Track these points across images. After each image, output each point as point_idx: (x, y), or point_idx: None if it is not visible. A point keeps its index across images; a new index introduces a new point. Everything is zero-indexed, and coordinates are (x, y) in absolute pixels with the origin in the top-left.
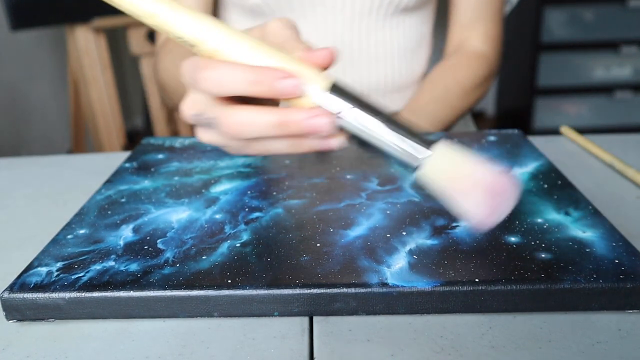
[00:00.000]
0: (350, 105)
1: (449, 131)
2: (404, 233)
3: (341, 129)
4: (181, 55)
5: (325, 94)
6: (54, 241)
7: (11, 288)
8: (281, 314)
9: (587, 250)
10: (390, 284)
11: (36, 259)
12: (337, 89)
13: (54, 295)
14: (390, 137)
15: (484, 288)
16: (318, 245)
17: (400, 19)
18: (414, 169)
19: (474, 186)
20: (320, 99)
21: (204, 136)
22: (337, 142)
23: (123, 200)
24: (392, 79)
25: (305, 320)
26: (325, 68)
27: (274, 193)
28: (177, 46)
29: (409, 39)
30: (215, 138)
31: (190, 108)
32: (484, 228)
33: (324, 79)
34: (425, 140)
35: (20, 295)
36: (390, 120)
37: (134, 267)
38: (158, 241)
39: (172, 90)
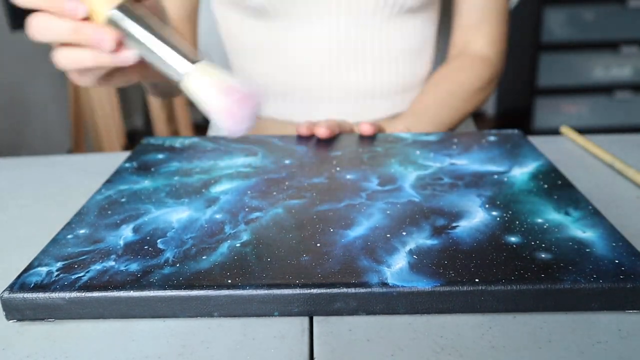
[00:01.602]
0: (133, 25)
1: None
2: (404, 233)
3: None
4: None
5: (112, 13)
6: (54, 241)
7: (11, 288)
8: (281, 314)
9: (587, 250)
10: (390, 284)
11: (36, 258)
12: (124, 9)
13: (54, 295)
14: (161, 51)
15: (484, 288)
16: (318, 245)
17: (403, 20)
18: (178, 81)
19: (223, 98)
20: (108, 17)
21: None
22: (124, 57)
23: (123, 200)
24: (396, 81)
25: (305, 320)
26: None
27: (274, 193)
28: None
29: (413, 40)
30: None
31: None
32: (234, 133)
33: (111, 2)
34: (189, 57)
35: (20, 295)
36: (162, 37)
37: (134, 267)
38: (158, 241)
39: None
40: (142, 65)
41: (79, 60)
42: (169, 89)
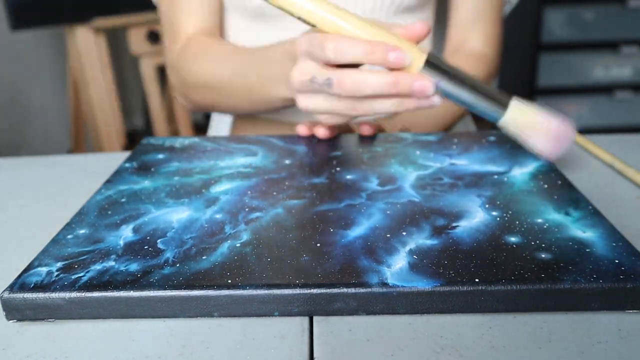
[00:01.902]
0: (445, 75)
1: (449, 131)
2: (404, 233)
3: (437, 91)
4: (230, 51)
5: (425, 60)
6: (54, 241)
7: (11, 288)
8: (281, 314)
9: (587, 250)
10: (390, 284)
11: (36, 259)
12: (434, 58)
13: (54, 295)
14: (476, 99)
15: (484, 288)
16: (318, 245)
17: (401, 19)
18: (496, 121)
19: (542, 131)
20: (421, 66)
21: (309, 102)
22: (436, 99)
23: (123, 200)
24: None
25: (305, 320)
26: (419, 40)
27: (274, 193)
28: (212, 44)
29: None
30: (321, 102)
31: (302, 74)
32: (553, 159)
33: (422, 51)
34: (502, 99)
35: (21, 295)
36: (475, 84)
37: (134, 267)
38: (158, 241)
39: (225, 85)
40: None
41: (376, 110)
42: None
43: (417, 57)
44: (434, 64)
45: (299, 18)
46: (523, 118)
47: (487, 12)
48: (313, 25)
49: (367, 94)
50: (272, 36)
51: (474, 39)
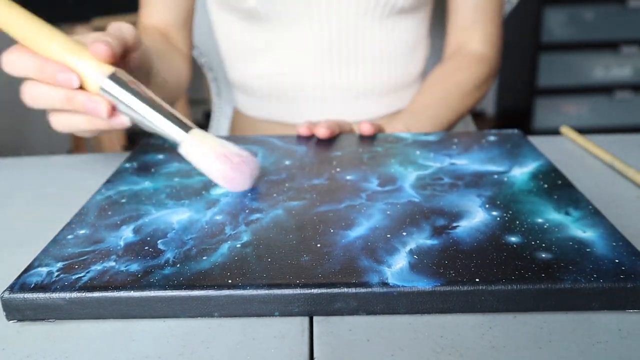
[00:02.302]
0: (126, 94)
1: (449, 131)
2: (404, 233)
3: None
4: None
5: (104, 82)
6: (54, 241)
7: (11, 288)
8: (281, 314)
9: (588, 250)
10: (390, 284)
11: (36, 259)
12: (115, 79)
13: (55, 295)
14: (155, 119)
15: (484, 288)
16: (318, 245)
17: (395, 20)
18: (176, 146)
19: (221, 166)
20: (100, 86)
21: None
22: (119, 122)
23: (123, 200)
24: (388, 81)
25: (305, 320)
26: (107, 60)
27: (274, 194)
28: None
29: (405, 40)
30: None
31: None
32: (233, 190)
33: (107, 71)
34: (184, 125)
35: (21, 296)
36: (158, 107)
37: (134, 267)
38: (158, 242)
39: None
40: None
41: (74, 125)
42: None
43: (97, 77)
44: (117, 83)
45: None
46: (202, 145)
47: (487, 14)
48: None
49: (45, 106)
50: (267, 37)
51: (474, 40)
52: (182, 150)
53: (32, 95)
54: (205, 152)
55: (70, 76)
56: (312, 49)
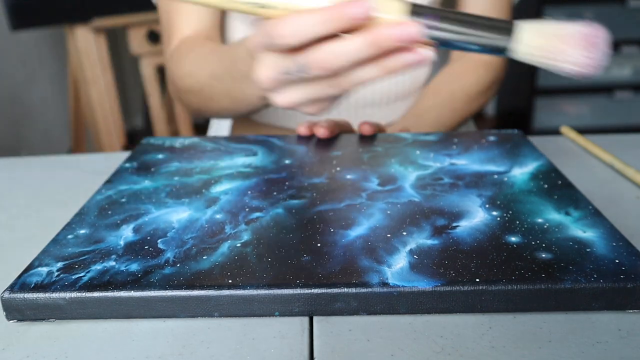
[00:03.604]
0: (434, 17)
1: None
2: (405, 233)
3: (425, 41)
4: (207, 53)
5: (403, 8)
6: (54, 241)
7: (12, 288)
8: (282, 314)
9: (588, 250)
10: (391, 284)
11: (36, 259)
12: (414, 6)
13: (55, 295)
14: (477, 38)
15: (484, 288)
16: (319, 245)
17: None
18: (506, 53)
19: (570, 42)
20: (400, 14)
21: (286, 97)
22: (427, 52)
23: (123, 200)
24: (395, 88)
25: (305, 320)
26: None
27: (275, 193)
28: (196, 46)
29: None
30: (300, 93)
31: (271, 70)
32: (591, 75)
33: (395, 1)
34: (505, 27)
35: (21, 295)
36: (472, 22)
37: (134, 267)
38: (158, 241)
39: (205, 88)
40: None
41: (363, 79)
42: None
43: (392, 5)
44: (416, 10)
45: (241, 11)
46: (540, 38)
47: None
48: (262, 7)
49: (345, 63)
50: None
51: None
52: (516, 54)
53: (331, 54)
54: (546, 46)
55: (362, 4)
56: None
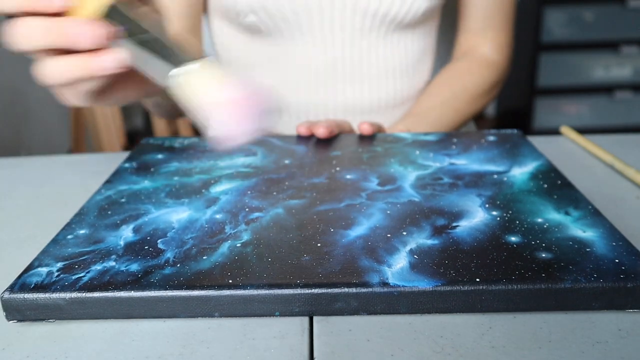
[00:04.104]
0: (120, 27)
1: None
2: (405, 233)
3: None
4: None
5: (99, 6)
6: (54, 241)
7: (12, 288)
8: (282, 314)
9: (588, 249)
10: (391, 284)
11: (36, 259)
12: (112, 6)
13: (55, 295)
14: (155, 48)
15: (484, 287)
16: (319, 245)
17: (401, 35)
18: (167, 84)
19: (220, 103)
20: (93, 13)
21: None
22: (110, 60)
23: (123, 200)
24: (394, 95)
25: (305, 320)
26: None
27: (274, 193)
28: None
29: (411, 54)
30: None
31: None
32: (232, 144)
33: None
34: (185, 57)
35: (21, 296)
36: (158, 35)
37: (134, 267)
38: (158, 241)
39: None
40: (141, 78)
41: (62, 70)
42: (174, 108)
43: (89, 3)
44: (111, 13)
45: None
46: (199, 82)
47: (498, 21)
48: None
49: (30, 46)
50: (268, 52)
51: (484, 45)
52: (175, 83)
53: (18, 35)
54: (205, 81)
55: None
56: (315, 66)
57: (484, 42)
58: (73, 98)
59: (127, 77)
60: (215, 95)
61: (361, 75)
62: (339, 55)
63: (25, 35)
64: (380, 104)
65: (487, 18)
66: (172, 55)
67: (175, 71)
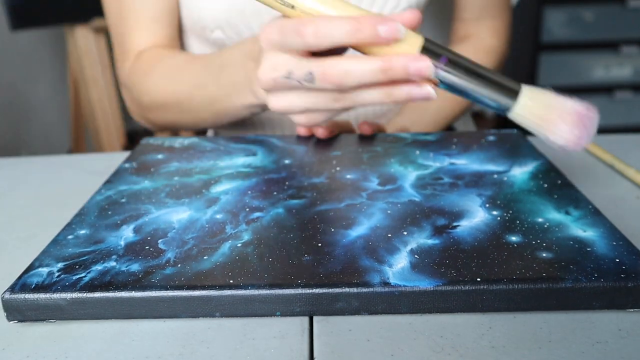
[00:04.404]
0: (444, 59)
1: (448, 131)
2: (405, 233)
3: (432, 80)
4: (183, 62)
5: (423, 42)
6: (55, 241)
7: (12, 289)
8: (283, 314)
9: (588, 249)
10: (392, 284)
11: (37, 259)
12: (428, 44)
13: (56, 295)
14: (481, 88)
15: (485, 287)
16: (319, 245)
17: None
18: (505, 112)
19: (564, 117)
20: (420, 45)
21: (283, 101)
22: (431, 90)
23: (123, 200)
24: (374, 108)
25: (305, 320)
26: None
27: (275, 193)
28: (164, 57)
29: None
30: (298, 100)
31: (274, 70)
32: (578, 149)
33: (416, 34)
34: (511, 86)
35: (22, 296)
36: (479, 73)
37: (135, 267)
38: (159, 241)
39: (183, 99)
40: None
41: (363, 102)
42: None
43: (411, 37)
44: (430, 47)
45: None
46: (538, 106)
47: (494, 10)
48: (292, 7)
49: (354, 84)
50: None
51: (482, 32)
52: (513, 116)
53: (342, 71)
54: (542, 115)
55: (396, 26)
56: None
57: (481, 30)
58: (315, 120)
59: None
60: (560, 112)
61: None
62: None
63: (360, 72)
64: (367, 116)
65: (484, 8)
66: (496, 79)
67: (508, 99)
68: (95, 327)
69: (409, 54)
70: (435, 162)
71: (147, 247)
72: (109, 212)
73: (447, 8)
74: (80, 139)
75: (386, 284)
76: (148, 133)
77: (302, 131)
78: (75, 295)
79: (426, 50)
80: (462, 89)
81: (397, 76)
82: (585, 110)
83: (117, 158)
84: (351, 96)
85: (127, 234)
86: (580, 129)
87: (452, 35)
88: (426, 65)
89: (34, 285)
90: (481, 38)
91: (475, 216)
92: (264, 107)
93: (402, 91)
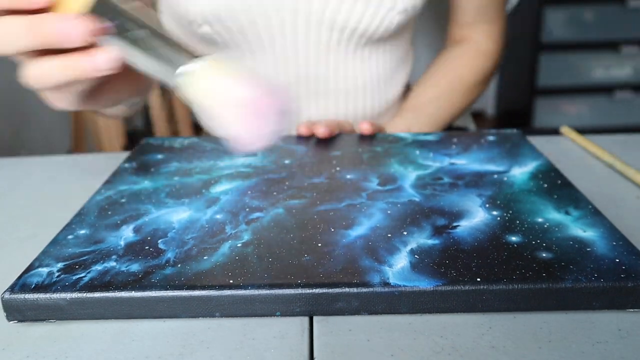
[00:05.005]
0: (110, 23)
1: (448, 131)
2: (405, 233)
3: (105, 46)
4: None
5: (86, 4)
6: (55, 242)
7: (12, 289)
8: (283, 314)
9: (588, 249)
10: (392, 284)
11: (37, 259)
12: (102, 3)
13: (56, 295)
14: (155, 48)
15: (485, 287)
16: (319, 245)
17: (373, 49)
18: (176, 82)
19: (233, 104)
20: (78, 8)
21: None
22: (102, 59)
23: (123, 200)
24: (364, 111)
25: (305, 320)
26: None
27: (275, 193)
28: None
29: (384, 67)
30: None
31: None
32: (247, 149)
33: None
34: (186, 54)
35: (22, 296)
36: (156, 32)
37: (135, 267)
38: (159, 241)
39: None
40: (134, 75)
41: (49, 73)
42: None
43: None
44: (104, 9)
45: None
46: (210, 82)
47: (490, 14)
48: None
49: (11, 49)
50: None
51: (477, 35)
52: (183, 84)
53: None
54: (211, 93)
55: None
56: (278, 81)
57: (477, 33)
58: (61, 102)
59: (118, 76)
60: (227, 96)
61: (326, 92)
62: (303, 71)
63: (5, 36)
64: (358, 121)
65: (480, 13)
66: (174, 52)
67: (181, 69)
68: (95, 327)
69: (67, 14)
70: (435, 162)
71: (147, 247)
72: (109, 212)
73: (444, 12)
74: (80, 139)
75: (386, 284)
76: (148, 133)
77: (303, 131)
78: (75, 295)
79: (95, 11)
80: (132, 62)
81: (54, 38)
82: (263, 96)
83: (117, 158)
84: (32, 66)
85: (127, 234)
86: (254, 122)
87: (449, 38)
88: (76, 28)
89: (33, 285)
90: (477, 41)
91: (475, 216)
92: None
93: (77, 61)
